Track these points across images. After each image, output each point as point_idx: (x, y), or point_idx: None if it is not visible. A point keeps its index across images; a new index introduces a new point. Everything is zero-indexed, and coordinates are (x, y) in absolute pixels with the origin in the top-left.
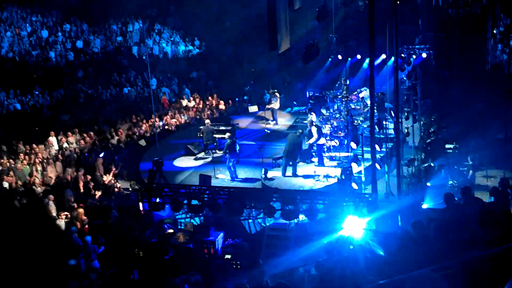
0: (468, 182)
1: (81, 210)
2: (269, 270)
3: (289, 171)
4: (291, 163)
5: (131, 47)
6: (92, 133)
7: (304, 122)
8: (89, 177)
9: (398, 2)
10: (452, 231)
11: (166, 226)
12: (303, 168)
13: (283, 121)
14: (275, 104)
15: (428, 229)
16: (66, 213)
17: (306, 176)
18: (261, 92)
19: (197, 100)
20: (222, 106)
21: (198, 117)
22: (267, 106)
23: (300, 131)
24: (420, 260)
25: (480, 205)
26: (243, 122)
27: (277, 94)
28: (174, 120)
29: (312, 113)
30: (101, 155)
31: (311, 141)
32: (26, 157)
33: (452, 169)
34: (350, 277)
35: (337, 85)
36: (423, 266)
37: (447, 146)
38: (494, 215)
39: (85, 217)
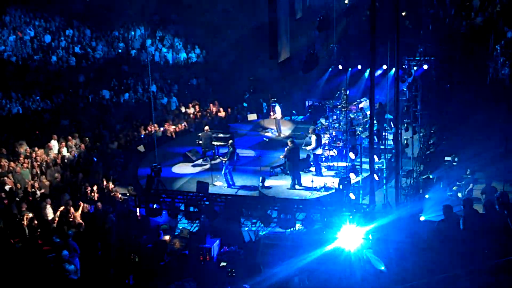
0: (467, 194)
1: (77, 214)
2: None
3: (288, 180)
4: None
5: (133, 53)
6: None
7: (307, 135)
8: (87, 183)
9: (403, 14)
10: (450, 243)
11: (162, 232)
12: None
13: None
14: (278, 114)
15: (426, 240)
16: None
17: (303, 186)
18: (263, 99)
19: (197, 108)
20: (221, 114)
21: (197, 124)
22: (271, 117)
23: (290, 139)
24: (418, 271)
25: (478, 218)
26: (242, 130)
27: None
28: (173, 126)
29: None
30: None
31: (308, 148)
32: (26, 160)
33: (451, 181)
34: None
35: (337, 95)
36: (422, 278)
37: (446, 158)
38: (491, 229)
39: (81, 221)
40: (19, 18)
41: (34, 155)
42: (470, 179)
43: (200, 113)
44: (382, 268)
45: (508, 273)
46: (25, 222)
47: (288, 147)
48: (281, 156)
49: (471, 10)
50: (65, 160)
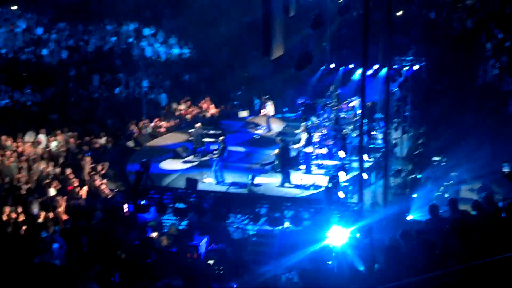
0: (454, 194)
1: (61, 210)
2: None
3: (278, 178)
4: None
5: (125, 47)
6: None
7: (297, 132)
8: (73, 176)
9: (398, 14)
10: (435, 243)
11: (149, 229)
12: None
13: (273, 127)
14: (270, 111)
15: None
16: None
17: (293, 184)
18: (254, 97)
19: (188, 103)
20: (213, 110)
21: (188, 120)
22: (262, 113)
23: (280, 137)
24: (403, 271)
25: (465, 218)
26: (233, 127)
27: (271, 101)
28: (163, 122)
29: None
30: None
31: (296, 146)
32: (14, 154)
33: (439, 181)
34: (334, 287)
35: (328, 93)
36: (406, 278)
37: (434, 158)
38: (478, 229)
39: (66, 217)
40: (10, 10)
41: (20, 149)
42: (457, 179)
43: (191, 110)
44: (361, 268)
45: (493, 274)
46: (20, 217)
47: (279, 145)
48: (275, 151)
49: (463, 12)
50: (53, 155)
